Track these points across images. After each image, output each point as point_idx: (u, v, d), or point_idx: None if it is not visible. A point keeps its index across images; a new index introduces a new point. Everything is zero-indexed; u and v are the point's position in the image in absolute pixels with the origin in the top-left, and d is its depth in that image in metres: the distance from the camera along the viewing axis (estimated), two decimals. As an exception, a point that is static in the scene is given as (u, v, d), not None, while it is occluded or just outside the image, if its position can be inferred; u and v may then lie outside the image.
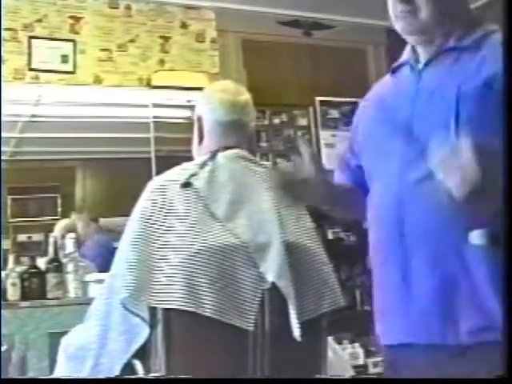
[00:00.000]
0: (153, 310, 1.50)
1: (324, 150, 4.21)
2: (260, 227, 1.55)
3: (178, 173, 1.62)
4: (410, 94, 1.22)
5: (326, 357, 1.65)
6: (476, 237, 1.07)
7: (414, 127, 1.17)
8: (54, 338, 2.00)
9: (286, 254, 1.52)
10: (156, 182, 1.63)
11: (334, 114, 4.44)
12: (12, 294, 2.74)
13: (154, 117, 4.13)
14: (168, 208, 1.54)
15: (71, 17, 3.89)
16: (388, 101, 1.29)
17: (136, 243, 1.52)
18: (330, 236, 4.32)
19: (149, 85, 3.99)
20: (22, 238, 4.26)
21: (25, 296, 2.75)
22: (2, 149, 3.64)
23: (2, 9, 3.58)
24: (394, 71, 1.32)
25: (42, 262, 2.90)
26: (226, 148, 1.67)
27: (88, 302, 1.74)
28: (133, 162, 4.44)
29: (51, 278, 2.78)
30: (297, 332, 1.45)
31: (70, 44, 3.85)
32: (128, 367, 1.54)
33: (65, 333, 1.72)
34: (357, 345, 3.81)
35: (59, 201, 4.54)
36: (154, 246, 1.50)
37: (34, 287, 2.77)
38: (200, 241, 1.48)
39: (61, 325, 2.55)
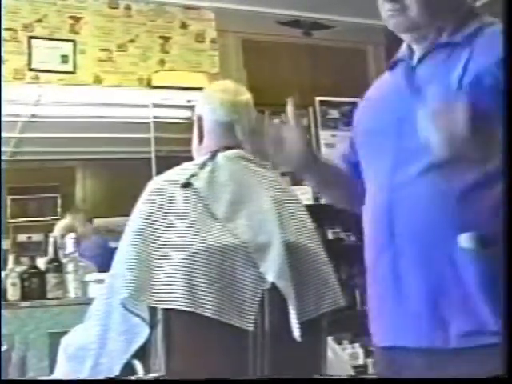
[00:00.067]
0: (153, 310, 1.50)
1: (324, 150, 4.21)
2: (260, 227, 1.55)
3: (178, 173, 1.62)
4: (403, 91, 1.20)
5: (325, 357, 1.65)
6: (465, 240, 1.05)
7: (406, 125, 1.14)
8: (54, 338, 2.00)
9: (286, 254, 1.52)
10: (156, 182, 1.63)
11: (334, 114, 4.44)
12: (12, 293, 2.74)
13: (154, 117, 4.13)
14: (168, 208, 1.54)
15: (71, 17, 3.89)
16: (384, 98, 1.27)
17: (136, 243, 1.52)
18: (330, 236, 4.32)
19: (149, 85, 3.99)
20: (21, 238, 4.27)
21: (25, 296, 2.75)
22: (2, 149, 3.64)
23: (2, 9, 3.58)
24: (391, 67, 1.30)
25: (41, 262, 2.90)
26: (226, 148, 1.67)
27: (88, 302, 1.74)
28: (133, 162, 4.44)
29: (51, 278, 2.78)
30: (297, 332, 1.45)
31: (70, 44, 3.85)
32: (128, 367, 1.54)
33: (65, 333, 1.72)
34: (357, 345, 3.81)
35: (59, 201, 4.54)
36: (154, 246, 1.50)
37: (33, 287, 2.77)
38: (199, 241, 1.49)
39: (61, 325, 2.55)
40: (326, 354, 1.66)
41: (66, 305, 2.72)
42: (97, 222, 4.38)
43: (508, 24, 1.04)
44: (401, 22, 1.19)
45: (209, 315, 1.43)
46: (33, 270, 2.82)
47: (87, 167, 4.75)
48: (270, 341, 1.51)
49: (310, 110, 4.41)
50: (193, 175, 1.59)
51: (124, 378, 1.52)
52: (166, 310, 1.46)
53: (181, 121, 4.13)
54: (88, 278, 2.81)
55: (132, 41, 4.02)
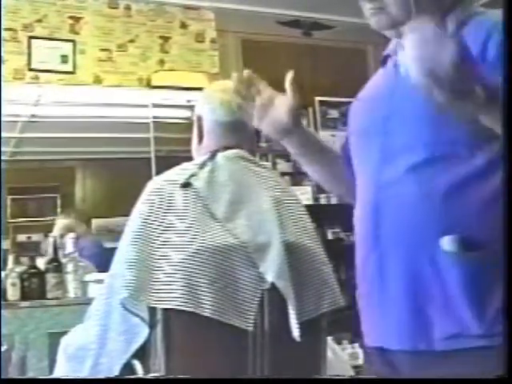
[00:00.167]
0: (152, 310, 1.50)
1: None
2: (260, 227, 1.55)
3: (178, 173, 1.62)
4: (389, 88, 1.19)
5: (325, 357, 1.65)
6: (447, 243, 1.03)
7: (393, 122, 1.13)
8: (54, 338, 2.00)
9: (285, 254, 1.52)
10: (156, 182, 1.63)
11: (334, 114, 4.45)
12: (12, 294, 2.74)
13: (154, 117, 4.13)
14: (167, 208, 1.54)
15: (71, 17, 3.90)
16: (373, 96, 1.26)
17: (135, 243, 1.52)
18: (330, 236, 4.33)
19: (149, 85, 3.99)
20: (21, 238, 4.27)
21: (25, 296, 2.76)
22: (2, 149, 3.64)
23: (2, 9, 3.59)
24: (383, 63, 1.28)
25: (41, 262, 2.90)
26: (226, 148, 1.67)
27: (88, 302, 1.74)
28: (133, 162, 4.45)
29: (51, 278, 2.78)
30: (296, 332, 1.45)
31: (70, 44, 3.86)
32: (127, 367, 1.54)
33: (64, 333, 1.72)
34: (356, 345, 3.81)
35: (59, 201, 4.54)
36: (154, 245, 1.50)
37: (33, 287, 2.77)
38: (199, 241, 1.49)
39: (60, 325, 2.55)
40: (326, 354, 1.66)
41: (66, 305, 2.72)
42: (97, 222, 4.39)
43: (508, 23, 1.03)
44: (382, 20, 1.18)
45: (208, 315, 1.43)
46: (32, 270, 2.82)
47: (87, 167, 4.75)
48: (269, 341, 1.51)
49: (310, 110, 4.41)
50: (192, 175, 1.59)
51: (124, 377, 1.52)
52: (165, 309, 1.46)
53: (180, 121, 4.13)
54: (88, 277, 2.81)
55: (132, 41, 4.03)
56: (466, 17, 1.14)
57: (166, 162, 1.86)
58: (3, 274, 2.77)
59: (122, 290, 1.46)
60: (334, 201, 4.23)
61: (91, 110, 4.17)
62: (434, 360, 1.06)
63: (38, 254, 3.26)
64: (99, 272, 2.81)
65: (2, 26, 3.67)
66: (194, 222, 1.52)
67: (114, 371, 1.53)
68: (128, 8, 4.05)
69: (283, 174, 3.77)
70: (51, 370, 1.93)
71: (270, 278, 1.49)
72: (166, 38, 4.12)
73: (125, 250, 1.54)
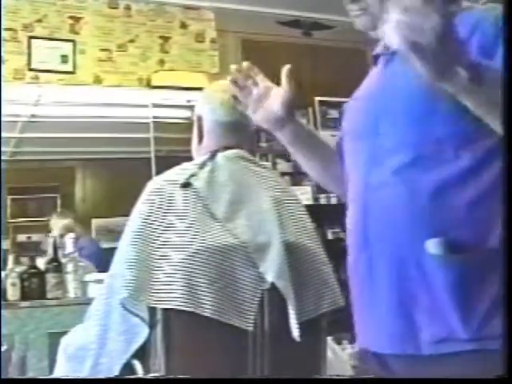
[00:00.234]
0: (152, 310, 1.50)
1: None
2: (260, 227, 1.55)
3: (178, 173, 1.62)
4: (378, 88, 1.18)
5: (325, 357, 1.65)
6: (432, 246, 1.02)
7: (382, 123, 1.12)
8: (54, 338, 2.00)
9: (285, 254, 1.52)
10: (155, 181, 1.63)
11: (334, 114, 4.44)
12: (12, 294, 2.74)
13: (154, 117, 4.13)
14: (167, 208, 1.54)
15: (71, 17, 3.90)
16: (363, 96, 1.25)
17: (135, 243, 1.52)
18: (330, 236, 4.32)
19: (149, 85, 3.99)
20: (21, 238, 4.27)
21: (25, 296, 2.76)
22: (2, 149, 3.64)
23: (2, 9, 3.59)
24: (374, 62, 1.27)
25: (41, 262, 2.90)
26: (226, 148, 1.67)
27: (87, 302, 1.74)
28: (133, 162, 4.45)
29: (51, 278, 2.78)
30: (296, 332, 1.45)
31: (70, 44, 3.86)
32: (127, 367, 1.54)
33: (64, 333, 1.72)
34: (356, 345, 3.81)
35: (59, 201, 4.54)
36: (154, 245, 1.50)
37: (33, 287, 2.78)
38: (199, 241, 1.48)
39: (60, 325, 2.55)
40: (326, 354, 1.66)
41: (66, 305, 2.72)
42: (97, 221, 4.39)
43: (508, 23, 1.03)
44: (365, 21, 1.18)
45: (208, 315, 1.43)
46: (32, 270, 2.82)
47: (87, 167, 4.76)
48: (269, 341, 1.51)
49: (310, 110, 4.41)
50: (192, 175, 1.59)
51: (124, 377, 1.52)
52: (165, 309, 1.46)
53: (180, 121, 4.13)
54: (87, 277, 2.81)
55: (132, 41, 4.03)
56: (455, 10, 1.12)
57: (166, 162, 1.86)
58: (3, 273, 2.78)
59: (122, 289, 1.46)
60: (334, 201, 4.23)
61: (91, 110, 4.17)
62: (422, 364, 1.05)
63: (38, 254, 3.26)
64: (99, 272, 2.81)
65: (2, 26, 3.67)
66: (194, 221, 1.52)
67: (114, 371, 1.53)
68: (128, 8, 4.05)
69: (283, 173, 3.77)
70: (51, 370, 1.93)
71: (269, 277, 1.49)
72: (165, 38, 4.12)
73: (125, 250, 1.54)
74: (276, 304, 1.50)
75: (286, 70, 1.27)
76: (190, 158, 1.73)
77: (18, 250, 3.82)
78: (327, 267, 1.63)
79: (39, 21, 3.81)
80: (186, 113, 4.00)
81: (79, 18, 3.91)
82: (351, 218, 1.19)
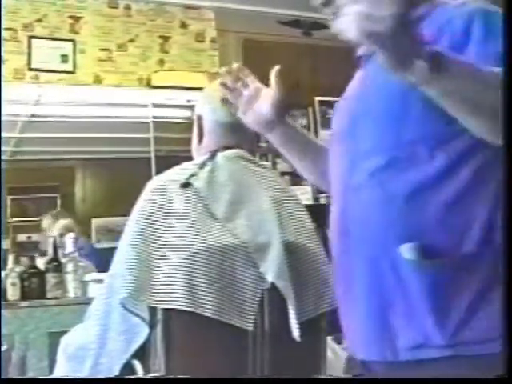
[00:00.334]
0: (152, 310, 1.50)
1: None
2: (260, 227, 1.55)
3: (178, 173, 1.62)
4: (358, 90, 1.17)
5: (325, 357, 1.65)
6: (406, 250, 1.00)
7: (360, 124, 1.11)
8: (54, 338, 2.00)
9: (285, 254, 1.52)
10: (155, 181, 1.63)
11: (334, 114, 4.44)
12: (12, 293, 2.74)
13: (154, 117, 4.13)
14: (167, 208, 1.54)
15: (71, 17, 3.89)
16: (348, 97, 1.24)
17: (136, 243, 1.52)
18: (330, 236, 4.31)
19: (149, 85, 3.99)
20: (21, 238, 4.27)
21: (25, 296, 2.76)
22: (2, 149, 3.64)
23: (2, 9, 3.58)
24: (359, 64, 1.26)
25: (41, 262, 2.90)
26: (226, 148, 1.67)
27: (87, 302, 1.74)
28: (133, 162, 4.45)
29: (51, 278, 2.78)
30: (296, 332, 1.45)
31: (70, 44, 3.86)
32: (127, 367, 1.54)
33: (64, 333, 1.72)
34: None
35: (59, 201, 4.54)
36: (154, 246, 1.51)
37: (33, 287, 2.78)
38: (199, 241, 1.49)
39: (60, 325, 2.55)
40: (326, 353, 1.66)
41: (66, 304, 2.72)
42: (97, 221, 4.39)
43: (508, 22, 1.03)
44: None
45: (209, 315, 1.43)
46: (32, 270, 2.82)
47: (87, 167, 4.76)
48: (269, 341, 1.51)
49: (310, 110, 4.41)
50: (192, 175, 1.59)
51: (124, 377, 1.52)
52: (165, 309, 1.46)
53: (180, 121, 4.13)
54: (87, 277, 2.81)
55: (132, 40, 4.03)
56: (426, 11, 1.07)
57: (166, 162, 1.86)
58: (3, 273, 2.78)
59: (122, 289, 1.46)
60: (334, 201, 4.22)
61: (91, 109, 4.17)
62: (402, 370, 1.03)
63: (38, 254, 3.26)
64: (99, 272, 2.81)
65: (2, 26, 3.66)
66: (194, 222, 1.52)
67: (114, 371, 1.53)
68: (128, 8, 4.04)
69: (283, 173, 3.76)
70: (51, 370, 1.93)
71: (270, 277, 1.49)
72: (165, 38, 4.12)
73: (125, 250, 1.54)
74: (276, 304, 1.50)
75: (275, 70, 1.27)
76: (190, 158, 1.73)
77: (17, 249, 3.81)
78: (327, 267, 1.63)
79: (39, 20, 3.80)
80: (186, 113, 4.00)
81: (79, 18, 3.91)
82: (332, 219, 1.17)
